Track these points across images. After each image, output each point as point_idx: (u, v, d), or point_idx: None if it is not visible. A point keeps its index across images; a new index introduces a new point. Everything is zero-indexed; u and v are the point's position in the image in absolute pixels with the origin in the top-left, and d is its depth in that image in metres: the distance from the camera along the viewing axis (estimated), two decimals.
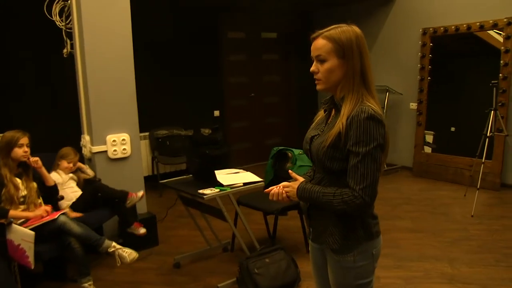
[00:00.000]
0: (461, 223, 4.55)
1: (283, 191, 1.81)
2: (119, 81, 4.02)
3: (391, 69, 6.73)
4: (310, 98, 7.89)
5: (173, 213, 4.73)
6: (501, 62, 5.41)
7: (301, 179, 1.80)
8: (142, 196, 3.87)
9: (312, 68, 1.73)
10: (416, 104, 6.41)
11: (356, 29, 1.67)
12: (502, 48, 5.40)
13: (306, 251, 3.94)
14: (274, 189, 1.82)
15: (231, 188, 3.26)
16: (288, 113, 7.65)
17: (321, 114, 1.87)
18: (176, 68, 6.32)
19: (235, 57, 6.94)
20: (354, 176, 1.58)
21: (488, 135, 4.87)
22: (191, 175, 3.65)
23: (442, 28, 5.97)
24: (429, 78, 6.20)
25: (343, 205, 1.61)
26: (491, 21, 5.48)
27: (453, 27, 5.84)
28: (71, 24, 4.07)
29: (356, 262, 1.72)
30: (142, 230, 3.81)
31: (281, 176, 4.04)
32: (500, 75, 5.39)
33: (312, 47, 1.72)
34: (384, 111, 6.55)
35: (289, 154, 4.00)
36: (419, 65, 6.26)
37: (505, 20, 5.36)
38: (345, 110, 1.62)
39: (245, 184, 3.36)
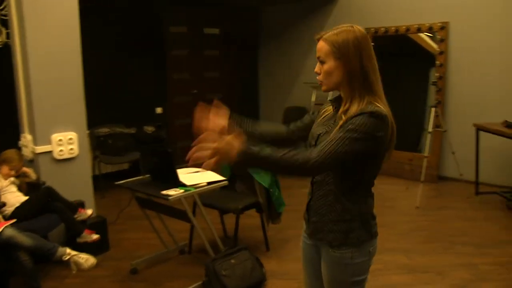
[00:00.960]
0: (409, 215, 4.73)
1: (211, 154, 1.55)
2: (66, 74, 3.73)
3: None
4: (251, 96, 7.87)
5: (121, 215, 4.49)
6: (437, 62, 5.69)
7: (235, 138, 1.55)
8: (90, 215, 3.67)
9: (316, 69, 1.72)
10: None
11: (357, 30, 1.65)
12: (438, 49, 5.68)
13: (266, 249, 3.90)
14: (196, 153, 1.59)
15: (195, 188, 3.13)
16: (230, 110, 7.54)
17: (329, 109, 1.84)
18: (117, 64, 6.02)
19: (177, 53, 6.73)
20: (318, 146, 1.57)
21: (430, 131, 5.09)
22: (148, 175, 3.47)
23: (383, 29, 6.16)
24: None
25: (294, 168, 1.55)
26: (427, 24, 5.74)
27: (393, 28, 6.06)
28: (6, 11, 3.72)
29: (353, 259, 1.73)
30: (95, 236, 3.57)
31: (240, 174, 3.98)
32: (437, 74, 5.65)
33: (316, 49, 1.72)
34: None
35: None
36: None
37: (439, 24, 5.64)
38: (352, 110, 1.61)
39: (209, 183, 3.24)
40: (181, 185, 3.14)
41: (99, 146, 5.54)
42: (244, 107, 7.68)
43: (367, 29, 6.27)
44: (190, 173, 3.45)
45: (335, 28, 1.68)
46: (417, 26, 5.85)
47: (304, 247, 1.97)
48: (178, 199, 2.98)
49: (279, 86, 7.68)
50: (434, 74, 5.69)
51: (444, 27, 5.61)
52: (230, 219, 4.06)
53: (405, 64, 6.28)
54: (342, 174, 1.68)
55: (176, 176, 3.15)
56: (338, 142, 1.54)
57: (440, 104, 5.67)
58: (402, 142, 6.13)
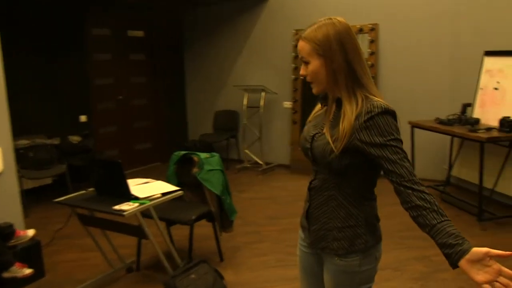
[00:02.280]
0: None
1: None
2: None
3: (266, 69, 6.80)
4: (179, 100, 7.59)
5: (51, 235, 4.05)
6: (368, 63, 5.82)
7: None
8: (33, 236, 3.24)
9: (301, 72, 1.63)
10: (290, 103, 6.57)
11: (336, 22, 1.56)
12: (369, 50, 5.82)
13: (220, 259, 3.70)
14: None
15: (150, 200, 2.86)
16: (156, 117, 7.22)
17: (317, 108, 1.76)
18: (35, 69, 5.48)
19: (100, 57, 6.28)
20: (399, 169, 1.43)
21: None
22: (92, 189, 3.13)
23: None
24: (302, 77, 6.38)
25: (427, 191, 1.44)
26: (358, 26, 5.86)
27: None
28: None
29: (361, 266, 1.64)
30: (28, 271, 3.08)
31: (186, 182, 3.75)
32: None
33: (298, 50, 1.62)
34: (261, 111, 6.58)
35: (195, 159, 3.70)
36: (292, 65, 6.42)
37: (370, 25, 5.79)
38: (348, 109, 1.52)
39: (163, 194, 2.98)
40: (133, 198, 2.87)
41: (18, 160, 4.96)
42: (171, 112, 7.40)
43: (298, 30, 6.29)
44: (138, 184, 3.18)
45: (313, 24, 1.57)
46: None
47: (302, 257, 1.85)
48: (134, 214, 2.70)
49: (208, 90, 7.47)
50: None
51: (374, 28, 5.76)
52: (176, 230, 3.81)
53: None
54: (347, 177, 1.57)
55: (127, 189, 2.87)
56: (401, 151, 1.45)
57: None
58: None
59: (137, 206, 2.74)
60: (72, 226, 3.44)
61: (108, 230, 3.25)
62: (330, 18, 1.56)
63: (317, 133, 1.63)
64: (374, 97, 1.53)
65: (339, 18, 1.57)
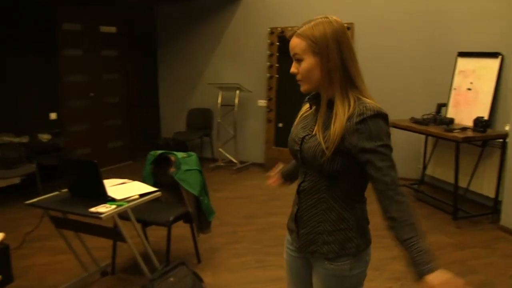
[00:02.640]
0: None
1: None
2: None
3: (241, 67, 6.74)
4: (152, 98, 7.45)
5: (21, 238, 3.89)
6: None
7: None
8: (1, 240, 3.10)
9: (292, 70, 1.58)
10: (265, 101, 6.54)
11: (333, 21, 1.54)
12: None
13: (197, 261, 3.64)
14: None
15: (127, 202, 2.77)
16: (129, 114, 7.06)
17: (305, 109, 1.72)
18: (3, 64, 5.27)
19: (71, 53, 6.08)
20: (387, 173, 1.45)
21: None
22: (66, 190, 3.01)
23: (289, 29, 6.17)
24: (277, 76, 6.37)
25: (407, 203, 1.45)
26: None
27: None
28: None
29: (352, 270, 1.61)
30: None
31: (162, 183, 3.66)
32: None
33: (289, 47, 1.57)
34: (235, 109, 6.53)
35: (172, 158, 3.62)
36: (268, 63, 6.38)
37: (345, 25, 5.76)
38: (340, 110, 1.49)
39: (141, 195, 2.90)
40: (110, 199, 2.77)
41: None
42: (144, 110, 7.26)
43: (273, 29, 6.26)
44: (115, 185, 3.08)
45: (308, 21, 1.54)
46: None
47: (290, 260, 1.81)
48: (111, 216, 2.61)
49: (182, 87, 7.36)
50: None
51: (349, 27, 5.78)
52: (151, 231, 3.73)
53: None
54: (338, 180, 1.54)
55: (104, 190, 2.77)
56: (388, 158, 1.45)
57: None
58: None
59: (115, 208, 2.65)
60: (43, 228, 3.30)
61: (83, 232, 3.14)
62: (327, 17, 1.53)
63: (307, 135, 1.59)
64: (366, 99, 1.50)
65: (335, 17, 1.55)
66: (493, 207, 4.37)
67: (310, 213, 1.62)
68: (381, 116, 1.46)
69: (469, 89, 4.65)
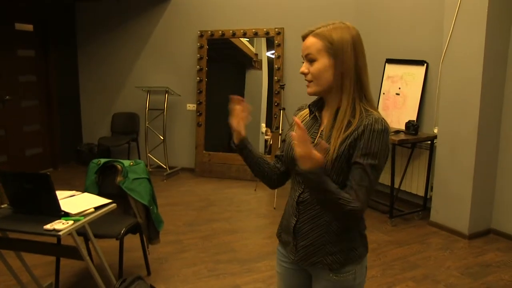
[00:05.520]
0: (271, 216, 4.83)
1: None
2: None
3: (170, 70, 6.61)
4: (72, 101, 7.05)
5: None
6: (275, 66, 5.98)
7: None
8: None
9: (302, 69, 1.56)
10: (194, 105, 6.49)
11: (351, 27, 1.55)
12: (276, 54, 5.98)
13: (147, 273, 3.52)
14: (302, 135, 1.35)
15: (83, 216, 2.62)
16: (48, 119, 6.62)
17: (303, 114, 1.71)
18: None
19: None
20: (357, 189, 1.44)
21: (280, 132, 5.31)
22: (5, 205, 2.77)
23: (219, 32, 6.18)
24: (206, 79, 6.34)
25: (347, 216, 1.45)
26: (264, 29, 5.99)
27: (230, 31, 6.13)
28: None
29: (356, 279, 1.62)
30: None
31: (107, 193, 3.49)
32: (275, 78, 5.95)
33: (302, 46, 1.57)
34: (164, 113, 6.40)
35: (119, 167, 3.48)
36: (197, 67, 6.33)
37: (276, 29, 5.95)
38: (345, 120, 1.49)
39: (96, 208, 2.75)
40: (64, 214, 2.60)
41: None
42: (64, 114, 6.84)
43: (203, 32, 6.22)
44: (65, 198, 2.89)
45: (325, 24, 1.55)
46: (254, 30, 6.04)
47: (284, 274, 1.78)
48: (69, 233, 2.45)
49: (105, 90, 7.04)
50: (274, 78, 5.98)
51: (280, 32, 5.92)
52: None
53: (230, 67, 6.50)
54: (343, 188, 1.51)
55: (57, 205, 2.59)
56: (370, 181, 1.44)
57: (278, 106, 5.96)
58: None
59: (72, 224, 2.49)
60: None
61: (28, 252, 2.90)
62: (344, 23, 1.54)
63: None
64: (374, 111, 1.51)
65: (351, 24, 1.56)
66: (423, 205, 4.72)
67: (311, 224, 1.59)
68: (387, 132, 1.47)
69: (397, 94, 4.98)
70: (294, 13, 5.91)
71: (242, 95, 6.27)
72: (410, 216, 4.73)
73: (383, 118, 1.49)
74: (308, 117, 1.67)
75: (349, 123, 1.49)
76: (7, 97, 5.89)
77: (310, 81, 1.56)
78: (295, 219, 1.64)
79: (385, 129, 1.46)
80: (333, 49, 1.49)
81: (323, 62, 1.51)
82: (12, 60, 5.99)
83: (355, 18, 5.57)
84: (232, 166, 6.27)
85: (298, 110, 1.78)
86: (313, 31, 1.54)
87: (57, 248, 2.73)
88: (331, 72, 1.51)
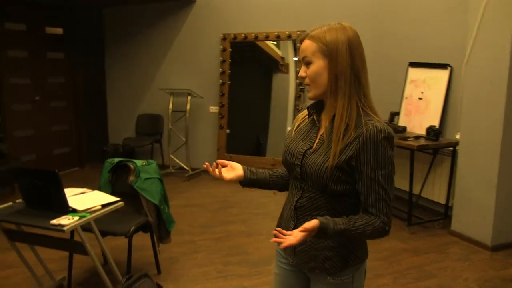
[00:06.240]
0: None
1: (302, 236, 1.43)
2: None
3: (193, 73, 6.67)
4: (99, 103, 7.21)
5: None
6: (297, 69, 5.95)
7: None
8: None
9: (300, 73, 1.56)
10: (217, 107, 6.52)
11: (348, 27, 1.53)
12: (298, 57, 5.95)
13: (157, 271, 3.55)
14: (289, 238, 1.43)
15: (90, 213, 2.67)
16: (76, 119, 6.80)
17: (301, 116, 1.68)
18: None
19: (15, 54, 5.77)
20: (376, 204, 1.46)
21: None
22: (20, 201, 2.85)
23: (242, 35, 6.20)
24: (229, 82, 6.37)
25: (376, 235, 1.48)
26: (286, 32, 5.97)
27: (253, 34, 6.14)
28: None
29: (354, 283, 1.61)
30: None
31: (120, 191, 3.55)
32: (297, 81, 5.93)
33: (300, 50, 1.57)
34: (187, 115, 6.46)
35: (131, 166, 3.53)
36: (220, 69, 6.36)
37: (298, 32, 5.92)
38: (342, 124, 1.46)
39: (103, 206, 2.80)
40: (71, 210, 2.66)
41: None
42: (91, 115, 7.00)
43: (226, 35, 6.26)
44: (74, 195, 2.96)
45: (321, 25, 1.53)
46: (276, 33, 6.03)
47: (282, 274, 1.77)
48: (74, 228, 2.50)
49: (131, 92, 7.17)
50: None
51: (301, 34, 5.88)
52: (106, 241, 3.59)
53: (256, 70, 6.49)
54: (341, 198, 1.52)
55: (65, 201, 2.65)
56: (386, 192, 1.46)
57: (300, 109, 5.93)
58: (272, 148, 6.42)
59: (77, 220, 2.54)
60: None
61: (40, 245, 2.98)
62: (341, 24, 1.52)
63: (308, 149, 1.56)
64: (374, 115, 1.49)
65: (349, 25, 1.54)
66: (444, 213, 4.58)
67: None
68: (390, 139, 1.45)
69: (420, 98, 4.86)
70: (317, 16, 5.84)
71: (269, 98, 6.29)
72: (430, 224, 4.59)
73: (385, 124, 1.47)
74: (307, 119, 1.65)
75: (347, 127, 1.47)
76: (36, 97, 6.08)
77: (308, 85, 1.55)
78: (293, 223, 1.63)
79: (388, 135, 1.44)
80: (328, 51, 1.48)
81: (318, 64, 1.49)
82: (42, 62, 6.18)
83: (377, 21, 5.49)
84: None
85: (298, 111, 1.77)
86: (308, 33, 1.53)
87: (65, 242, 2.79)
88: (326, 73, 1.49)
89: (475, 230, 4.12)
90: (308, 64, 1.52)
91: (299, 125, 1.67)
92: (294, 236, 1.40)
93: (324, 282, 1.59)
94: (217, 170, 1.68)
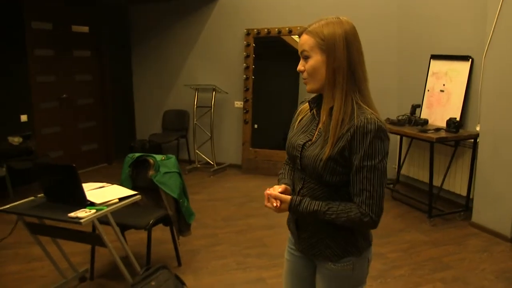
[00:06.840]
0: None
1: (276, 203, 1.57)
2: None
3: (217, 68, 6.69)
4: (126, 99, 7.33)
5: None
6: None
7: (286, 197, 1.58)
8: None
9: (299, 67, 1.57)
10: (241, 102, 6.52)
11: (344, 21, 1.53)
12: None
13: (178, 264, 3.59)
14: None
15: (107, 206, 2.71)
16: (103, 116, 6.93)
17: (305, 111, 1.69)
18: None
19: (42, 52, 5.91)
20: (361, 194, 1.46)
21: None
22: (42, 195, 2.93)
23: (265, 30, 6.18)
24: (253, 77, 6.36)
25: (349, 223, 1.49)
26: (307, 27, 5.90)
27: (276, 29, 6.11)
28: None
29: (354, 270, 1.63)
30: None
31: (141, 186, 3.60)
32: None
33: (298, 44, 1.58)
34: (212, 110, 6.49)
35: (151, 161, 3.57)
36: (244, 65, 6.36)
37: None
38: (339, 118, 1.47)
39: (120, 199, 2.84)
40: (89, 204, 2.71)
41: None
42: (118, 111, 7.13)
43: (250, 30, 6.25)
44: (93, 189, 3.01)
45: (319, 19, 1.54)
46: (299, 27, 5.96)
47: (291, 260, 1.81)
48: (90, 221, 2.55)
49: (157, 88, 7.27)
50: None
51: None
52: (129, 235, 3.67)
53: (283, 64, 6.41)
54: (338, 188, 1.54)
55: (83, 195, 2.70)
56: (372, 183, 1.45)
57: None
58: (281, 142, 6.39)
59: (94, 213, 2.59)
60: (15, 235, 3.20)
61: (61, 238, 3.06)
62: (338, 18, 1.53)
63: (307, 141, 1.58)
64: (368, 108, 1.49)
65: (346, 18, 1.54)
66: (465, 205, 4.47)
67: (310, 219, 1.60)
68: (380, 131, 1.44)
69: (441, 90, 4.74)
70: (342, 11, 5.75)
71: (297, 93, 6.24)
72: (452, 216, 4.49)
73: (377, 117, 1.47)
74: (309, 112, 1.67)
75: (343, 120, 1.48)
76: (64, 95, 6.22)
77: (305, 79, 1.57)
78: None
79: (378, 127, 1.44)
80: (325, 45, 1.49)
81: (316, 58, 1.51)
82: (69, 61, 6.31)
83: (398, 14, 5.39)
84: (278, 163, 6.24)
85: (301, 103, 1.78)
86: (306, 28, 1.54)
87: (84, 235, 2.84)
88: (323, 68, 1.51)
89: (495, 222, 4.03)
90: (306, 58, 1.53)
91: (301, 118, 1.69)
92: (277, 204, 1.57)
93: (326, 267, 1.64)
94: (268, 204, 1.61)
